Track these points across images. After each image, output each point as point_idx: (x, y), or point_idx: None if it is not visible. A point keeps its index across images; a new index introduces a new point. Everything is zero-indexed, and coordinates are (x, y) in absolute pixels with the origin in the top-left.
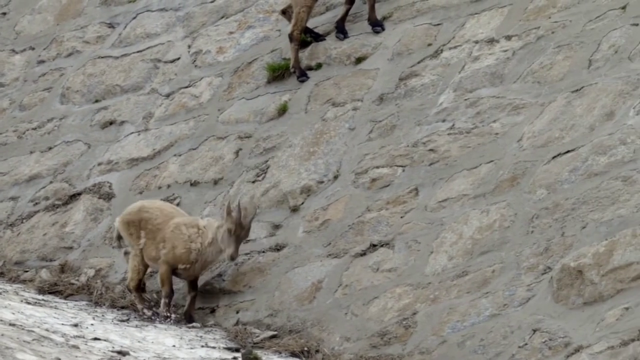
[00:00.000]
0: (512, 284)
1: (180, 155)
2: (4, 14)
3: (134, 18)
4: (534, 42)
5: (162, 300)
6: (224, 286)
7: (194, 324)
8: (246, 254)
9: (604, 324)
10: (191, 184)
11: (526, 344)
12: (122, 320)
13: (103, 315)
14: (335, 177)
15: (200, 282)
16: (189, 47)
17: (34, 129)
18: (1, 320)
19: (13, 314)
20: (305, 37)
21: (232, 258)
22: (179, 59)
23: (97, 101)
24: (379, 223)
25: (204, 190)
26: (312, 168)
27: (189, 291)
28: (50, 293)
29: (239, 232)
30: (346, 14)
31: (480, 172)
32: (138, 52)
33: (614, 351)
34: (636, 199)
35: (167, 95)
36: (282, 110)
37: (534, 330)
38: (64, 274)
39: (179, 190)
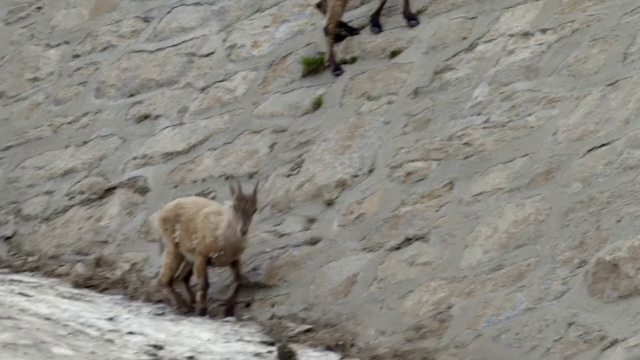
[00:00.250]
0: (547, 278)
1: (215, 149)
2: (39, 8)
3: (169, 12)
4: (569, 35)
5: (199, 293)
6: (259, 280)
7: (229, 318)
8: (281, 247)
9: (639, 317)
10: (226, 178)
11: (561, 338)
12: (158, 314)
13: (138, 309)
14: (370, 171)
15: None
16: (224, 41)
17: (69, 123)
18: (37, 314)
19: (48, 308)
20: (340, 31)
21: (242, 232)
22: (213, 53)
23: (132, 95)
24: (414, 217)
25: None
26: (347, 162)
27: (233, 281)
28: (85, 287)
29: (244, 205)
30: (381, 7)
31: (515, 165)
32: (173, 46)
33: None
34: None
35: (202, 89)
36: (317, 104)
37: (569, 324)
38: (99, 268)
39: (214, 184)
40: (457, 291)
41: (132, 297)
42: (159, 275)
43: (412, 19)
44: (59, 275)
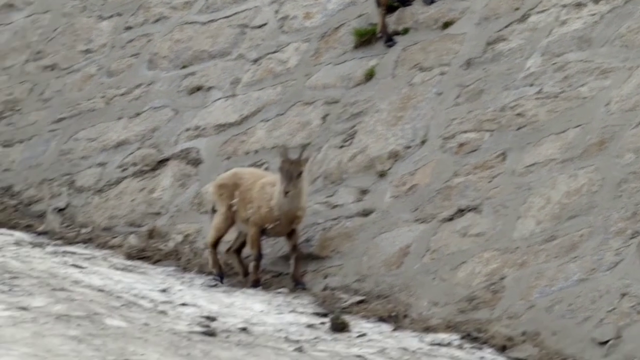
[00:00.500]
0: (600, 249)
1: (267, 121)
2: None
3: None
4: (622, 5)
5: (252, 264)
6: (311, 251)
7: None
8: (334, 219)
9: None
10: (277, 151)
11: (615, 309)
12: (210, 286)
13: (191, 281)
14: (423, 142)
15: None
16: (276, 12)
17: (122, 95)
18: (90, 286)
19: (102, 279)
20: (392, 2)
21: (285, 193)
22: (266, 24)
23: (184, 67)
24: (467, 188)
25: None
26: (400, 133)
27: (290, 254)
28: (138, 259)
29: (287, 166)
30: None
31: (568, 136)
32: (225, 17)
33: None
34: None
35: (255, 61)
36: (369, 76)
37: (623, 295)
38: (152, 240)
39: (266, 156)
40: (510, 262)
41: (185, 269)
42: (207, 237)
43: None
44: (112, 247)
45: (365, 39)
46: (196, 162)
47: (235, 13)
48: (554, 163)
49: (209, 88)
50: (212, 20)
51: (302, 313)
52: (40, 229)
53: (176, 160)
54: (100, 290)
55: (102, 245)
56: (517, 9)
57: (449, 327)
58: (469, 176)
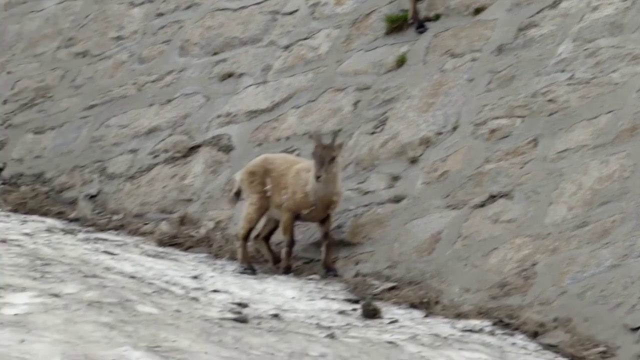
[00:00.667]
0: (632, 235)
1: (299, 107)
2: None
3: None
4: None
5: (284, 250)
6: (343, 238)
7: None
8: (365, 205)
9: None
10: (310, 136)
11: None
12: (242, 272)
13: (223, 268)
14: (454, 128)
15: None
16: None
17: (153, 81)
18: (122, 273)
19: (133, 266)
20: None
21: (316, 177)
22: (297, 10)
23: (215, 53)
24: (498, 174)
25: None
26: (431, 119)
27: (322, 241)
28: (170, 245)
29: (320, 151)
30: None
31: (599, 122)
32: (256, 4)
33: None
34: None
35: (286, 47)
36: (401, 62)
37: None
38: (184, 226)
39: (297, 142)
40: (542, 248)
41: (217, 255)
42: (237, 228)
43: None
44: (143, 234)
45: (397, 25)
46: (227, 149)
47: (266, 0)
48: (585, 149)
49: (240, 75)
50: (243, 7)
51: (333, 299)
52: (72, 215)
53: (207, 147)
54: (132, 277)
55: (134, 232)
56: None
57: (481, 314)
58: (501, 162)
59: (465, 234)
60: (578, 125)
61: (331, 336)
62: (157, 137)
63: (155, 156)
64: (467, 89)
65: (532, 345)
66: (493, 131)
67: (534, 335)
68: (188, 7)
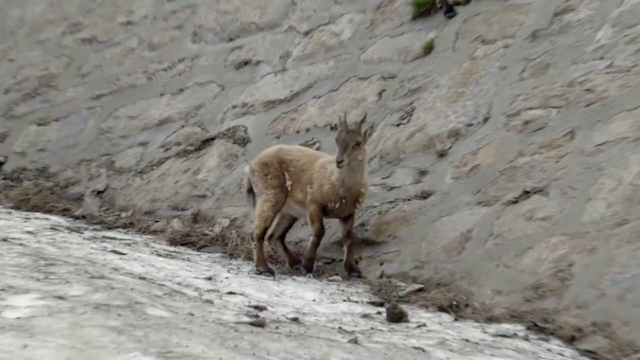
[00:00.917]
0: None
1: (319, 97)
2: None
3: None
4: None
5: (310, 240)
6: (367, 236)
7: (355, 273)
8: (390, 202)
9: None
10: (331, 128)
11: None
12: (259, 273)
13: (238, 268)
14: (486, 120)
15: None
16: None
17: (164, 69)
18: (131, 274)
19: (143, 266)
20: None
21: (338, 162)
22: None
23: (231, 40)
24: (532, 168)
25: None
26: (461, 110)
27: (344, 240)
28: (182, 244)
29: (344, 136)
30: None
31: None
32: None
33: None
34: None
35: (306, 33)
36: (428, 49)
37: None
38: (197, 224)
39: (318, 135)
40: (579, 247)
41: (232, 255)
42: (252, 228)
43: None
44: (154, 232)
45: (424, 9)
46: (244, 141)
47: None
48: (625, 142)
49: (257, 62)
50: None
51: (356, 302)
52: (78, 212)
53: (222, 140)
54: (142, 278)
55: (144, 230)
56: None
57: (514, 317)
58: (535, 156)
59: (497, 232)
60: (617, 117)
61: (354, 341)
62: (169, 129)
63: (167, 149)
64: (499, 77)
65: (568, 351)
66: (527, 122)
67: (570, 341)
68: None
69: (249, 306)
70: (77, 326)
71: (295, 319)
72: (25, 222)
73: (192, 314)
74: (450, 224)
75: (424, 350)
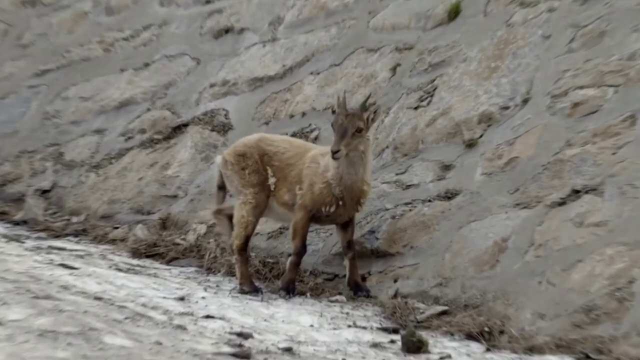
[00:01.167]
0: None
1: (318, 74)
2: None
3: None
4: None
5: (289, 260)
6: (377, 246)
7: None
8: (406, 203)
9: None
10: (333, 112)
11: None
12: (243, 292)
13: (217, 286)
14: (525, 102)
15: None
16: None
17: (125, 39)
18: (84, 293)
19: (99, 284)
20: None
21: (333, 153)
22: None
23: (208, 2)
24: (584, 162)
25: None
26: (494, 89)
27: (345, 252)
28: (147, 256)
29: (342, 119)
30: None
31: None
32: None
33: None
34: None
35: None
36: (454, 13)
37: None
38: (166, 232)
39: (316, 120)
40: None
41: (210, 270)
42: (230, 237)
43: None
44: (112, 241)
45: None
46: (224, 128)
47: None
48: None
49: (241, 30)
50: None
51: (364, 328)
52: (18, 217)
53: (197, 126)
54: (98, 299)
55: (100, 239)
56: None
57: (560, 347)
58: (587, 146)
59: (540, 241)
60: None
61: None
62: (131, 112)
63: (128, 138)
64: (541, 48)
65: None
66: (576, 105)
67: None
68: None
69: (230, 333)
70: (17, 358)
71: (288, 349)
72: None
73: (160, 343)
74: (482, 231)
75: None
